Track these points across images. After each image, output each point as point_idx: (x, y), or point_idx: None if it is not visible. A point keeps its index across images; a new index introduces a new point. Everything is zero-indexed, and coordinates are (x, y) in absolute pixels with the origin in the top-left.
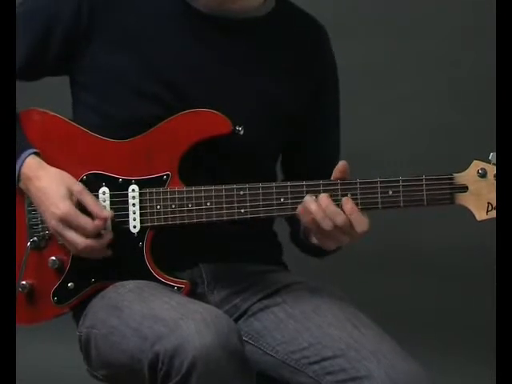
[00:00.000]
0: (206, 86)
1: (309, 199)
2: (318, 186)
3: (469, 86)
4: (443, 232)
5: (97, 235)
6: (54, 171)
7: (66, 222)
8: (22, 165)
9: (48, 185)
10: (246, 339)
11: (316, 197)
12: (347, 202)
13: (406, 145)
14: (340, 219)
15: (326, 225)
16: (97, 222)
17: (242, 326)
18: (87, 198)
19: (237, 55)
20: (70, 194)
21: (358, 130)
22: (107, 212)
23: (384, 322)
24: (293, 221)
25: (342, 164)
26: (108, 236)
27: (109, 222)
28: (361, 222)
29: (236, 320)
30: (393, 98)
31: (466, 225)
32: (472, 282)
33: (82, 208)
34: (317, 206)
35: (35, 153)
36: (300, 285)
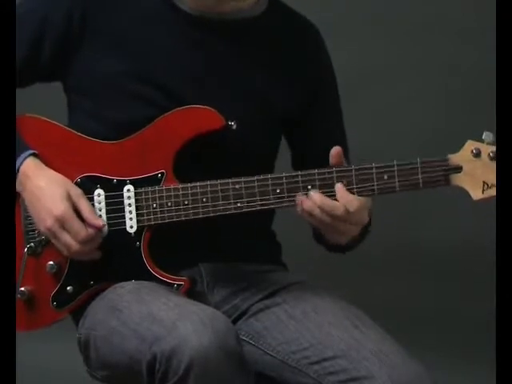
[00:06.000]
0: (200, 87)
1: (300, 198)
2: (313, 174)
3: (468, 87)
4: (443, 232)
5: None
6: (53, 173)
7: (61, 223)
8: (20, 164)
9: (47, 185)
10: (246, 339)
11: (307, 194)
12: (339, 190)
13: (406, 146)
14: (339, 211)
15: (326, 219)
16: (90, 231)
17: (242, 326)
18: (83, 204)
19: (232, 55)
20: (68, 197)
21: (356, 131)
22: (101, 221)
23: (384, 322)
24: None
25: (334, 149)
26: (98, 240)
27: (105, 229)
28: (352, 202)
29: (236, 320)
30: (392, 100)
31: (465, 224)
32: (472, 281)
33: (77, 213)
34: (311, 202)
35: (34, 154)
36: (300, 285)
